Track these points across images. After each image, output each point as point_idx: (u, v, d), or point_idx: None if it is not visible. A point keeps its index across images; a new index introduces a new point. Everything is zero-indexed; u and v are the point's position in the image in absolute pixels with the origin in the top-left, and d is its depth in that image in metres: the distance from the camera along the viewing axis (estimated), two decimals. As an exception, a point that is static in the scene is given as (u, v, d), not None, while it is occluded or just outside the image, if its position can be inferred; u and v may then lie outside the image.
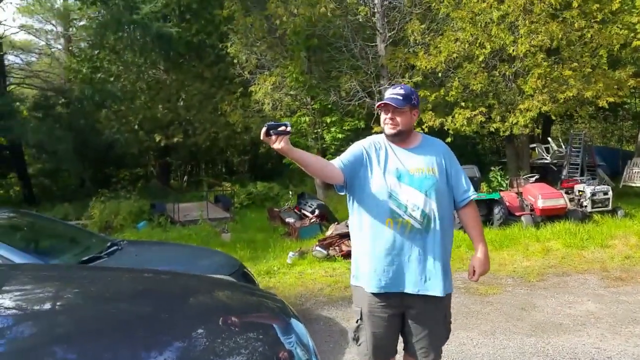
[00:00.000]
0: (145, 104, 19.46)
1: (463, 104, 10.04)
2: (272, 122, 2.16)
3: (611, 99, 9.14)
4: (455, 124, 9.93)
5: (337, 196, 14.53)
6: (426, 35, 10.38)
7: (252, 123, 14.03)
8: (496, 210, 8.96)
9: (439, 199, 2.40)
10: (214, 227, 10.41)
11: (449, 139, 10.01)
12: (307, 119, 12.95)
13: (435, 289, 2.38)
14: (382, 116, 2.47)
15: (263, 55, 12.82)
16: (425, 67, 9.85)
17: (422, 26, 10.43)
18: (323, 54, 12.90)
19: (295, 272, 6.69)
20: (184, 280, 2.31)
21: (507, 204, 9.28)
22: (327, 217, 9.89)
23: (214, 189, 18.31)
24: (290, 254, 7.35)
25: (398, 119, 2.42)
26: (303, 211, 10.30)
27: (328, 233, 8.20)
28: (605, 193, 9.32)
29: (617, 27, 9.29)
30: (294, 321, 1.47)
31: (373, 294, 2.43)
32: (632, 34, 9.60)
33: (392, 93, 2.43)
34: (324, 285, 5.95)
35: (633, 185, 13.23)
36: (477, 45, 9.42)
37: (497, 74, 9.94)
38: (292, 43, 12.18)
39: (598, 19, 9.12)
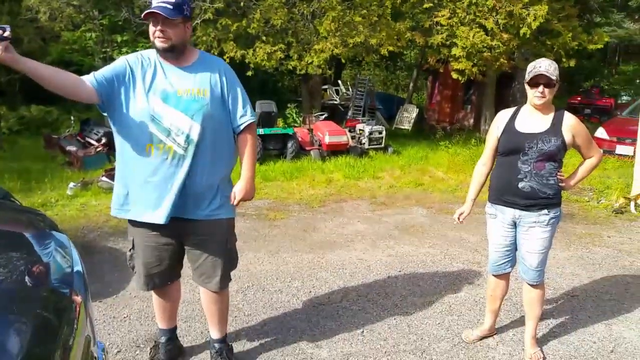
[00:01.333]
0: None
1: (264, 38, 10.15)
2: None
3: (391, 48, 10.29)
4: (256, 58, 10.02)
5: (130, 125, 13.62)
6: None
7: (24, 34, 11.88)
8: (289, 144, 9.54)
9: (208, 123, 2.24)
10: (-29, 154, 8.77)
11: (249, 73, 10.10)
12: (94, 35, 11.51)
13: (194, 213, 2.31)
14: (151, 28, 2.19)
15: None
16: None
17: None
18: (113, -37, 11.44)
19: (77, 203, 6.16)
20: None
21: (300, 139, 9.94)
22: (115, 146, 9.16)
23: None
24: (71, 184, 6.69)
25: (170, 31, 2.16)
26: (88, 139, 9.34)
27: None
28: (380, 132, 10.68)
29: (401, -20, 10.35)
30: (54, 232, 1.37)
31: (141, 222, 2.34)
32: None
33: (159, 1, 2.13)
34: (109, 217, 5.60)
35: (402, 127, 15.38)
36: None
37: (296, 12, 10.23)
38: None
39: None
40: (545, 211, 2.61)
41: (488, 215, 2.84)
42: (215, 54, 8.48)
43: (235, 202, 2.38)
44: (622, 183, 7.23)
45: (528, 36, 10.38)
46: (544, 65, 2.50)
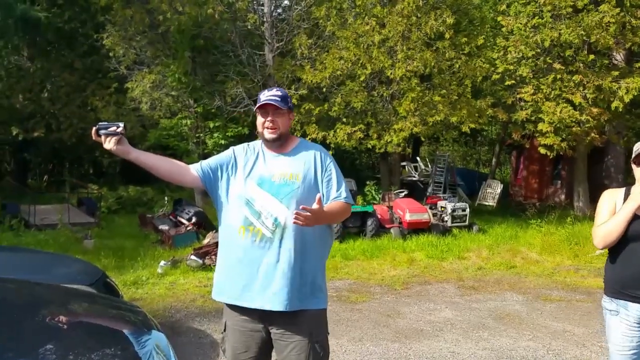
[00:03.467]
0: (2, 92, 17.27)
1: (344, 119, 10.50)
2: (104, 122, 2.11)
3: (473, 125, 10.19)
4: (336, 138, 10.33)
5: (216, 203, 14.27)
6: (313, 50, 10.68)
7: (127, 122, 13.11)
8: (369, 222, 9.43)
9: (299, 207, 2.14)
10: (75, 232, 9.49)
11: (330, 152, 10.34)
12: (189, 122, 12.51)
13: (283, 304, 2.20)
14: (260, 119, 2.31)
15: (143, 51, 12.16)
16: (311, 81, 10.14)
17: (310, 41, 10.72)
18: (209, 57, 12.61)
19: (167, 282, 6.34)
20: (33, 289, 2.05)
21: (379, 216, 9.82)
22: (204, 225, 9.56)
23: (77, 190, 16.76)
24: (162, 263, 6.95)
25: (278, 121, 2.28)
26: (179, 218, 9.86)
27: (205, 242, 7.93)
28: (464, 210, 10.31)
29: (481, 60, 10.43)
30: (154, 331, 1.35)
31: (233, 306, 2.32)
32: (492, 68, 10.83)
33: (269, 95, 2.28)
34: (196, 296, 5.73)
35: (486, 204, 14.82)
36: (359, 65, 9.93)
37: (376, 95, 10.56)
38: (175, 41, 11.73)
39: (465, 51, 10.14)
40: None
41: (607, 311, 2.46)
42: (298, 135, 8.82)
43: (301, 218, 2.05)
44: None
45: (620, 109, 9.84)
46: None
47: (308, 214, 2.07)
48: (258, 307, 2.24)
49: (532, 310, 5.26)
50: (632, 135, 12.14)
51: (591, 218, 11.30)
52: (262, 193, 2.26)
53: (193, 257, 7.04)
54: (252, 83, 11.55)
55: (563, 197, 15.50)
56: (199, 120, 12.75)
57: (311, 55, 10.62)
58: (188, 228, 9.22)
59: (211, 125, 12.57)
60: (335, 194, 2.31)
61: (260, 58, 11.52)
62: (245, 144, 2.44)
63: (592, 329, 4.62)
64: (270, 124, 2.29)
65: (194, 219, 9.47)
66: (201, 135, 12.78)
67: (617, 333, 2.42)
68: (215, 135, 12.60)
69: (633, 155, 2.38)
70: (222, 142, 12.53)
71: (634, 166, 2.40)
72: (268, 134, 2.30)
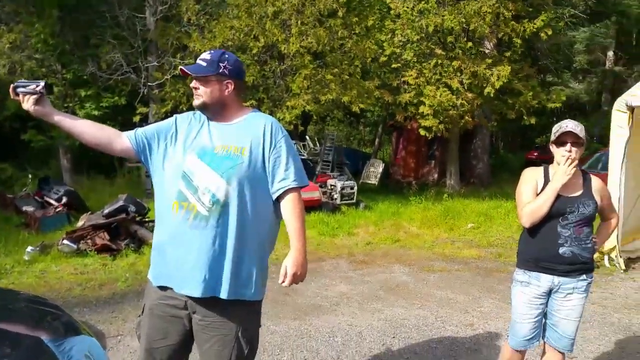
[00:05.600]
0: None
1: (234, 94, 10.14)
2: (23, 80, 1.94)
3: (362, 105, 10.48)
4: (225, 114, 9.96)
5: (89, 182, 13.05)
6: (201, 17, 10.10)
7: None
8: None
9: (242, 185, 2.00)
10: None
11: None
12: (56, 89, 11.21)
13: (215, 291, 1.99)
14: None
15: (1, 6, 10.56)
16: (199, 50, 9.58)
17: (197, 6, 10.10)
18: (80, 17, 11.32)
19: (36, 270, 5.64)
20: None
21: (271, 195, 9.72)
22: (76, 205, 8.67)
23: None
24: (29, 248, 6.14)
25: (202, 88, 2.05)
26: (46, 198, 8.80)
27: (79, 224, 7.17)
28: (352, 188, 10.64)
29: (370, 42, 10.70)
30: (82, 336, 1.08)
31: (158, 287, 2.08)
32: (380, 50, 11.19)
33: (199, 58, 2.10)
34: (73, 285, 5.17)
35: (369, 182, 15.44)
36: (252, 37, 9.61)
37: (268, 70, 10.33)
38: (42, -4, 10.34)
39: (356, 32, 10.32)
40: (584, 276, 2.50)
41: (518, 282, 2.61)
42: (185, 110, 8.34)
43: (287, 282, 1.99)
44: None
45: (492, 95, 10.80)
46: (571, 124, 2.43)
47: (291, 274, 1.97)
48: (185, 293, 2.00)
49: (418, 280, 5.58)
50: (498, 119, 13.41)
51: (462, 195, 12.41)
52: (202, 166, 2.01)
53: (66, 241, 6.31)
54: (131, 48, 10.63)
55: (436, 175, 16.74)
56: (68, 87, 11.47)
57: (199, 22, 10.05)
58: (57, 209, 8.27)
59: (82, 94, 11.40)
60: (282, 175, 2.07)
61: (141, 21, 10.61)
62: (190, 113, 2.18)
63: (471, 296, 5.02)
64: (194, 91, 2.07)
65: (64, 199, 8.51)
66: (70, 105, 11.53)
67: (525, 302, 2.57)
68: (88, 105, 11.45)
69: (553, 138, 2.48)
70: (95, 112, 11.45)
71: (553, 147, 2.50)
72: (194, 101, 2.09)
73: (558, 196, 2.45)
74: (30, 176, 10.59)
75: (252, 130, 2.08)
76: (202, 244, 1.97)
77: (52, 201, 8.60)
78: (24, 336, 1.02)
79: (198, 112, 2.16)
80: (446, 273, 5.97)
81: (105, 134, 2.09)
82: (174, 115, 2.21)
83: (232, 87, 2.10)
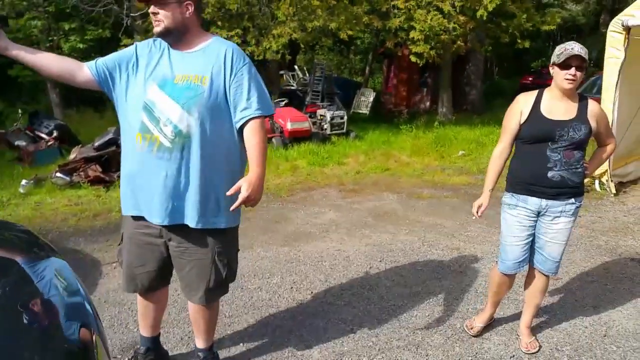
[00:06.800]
0: None
1: (219, 23, 9.79)
2: None
3: (351, 32, 10.18)
4: (211, 44, 9.66)
5: (79, 116, 12.94)
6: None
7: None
8: (250, 132, 9.25)
9: (203, 115, 2.00)
10: None
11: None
12: (39, 23, 10.79)
13: (184, 219, 2.07)
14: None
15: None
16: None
17: None
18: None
19: (31, 202, 5.77)
20: None
21: (261, 126, 9.65)
22: (68, 139, 8.69)
23: None
24: (24, 182, 6.25)
25: (162, 12, 1.99)
26: (38, 133, 8.80)
27: (71, 157, 7.22)
28: (342, 117, 10.60)
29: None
30: (52, 258, 1.16)
31: (132, 217, 2.17)
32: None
33: None
34: (68, 216, 5.29)
35: (360, 112, 15.35)
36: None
37: (253, -4, 9.93)
38: None
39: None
40: (572, 200, 2.53)
41: (506, 206, 2.66)
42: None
43: (238, 201, 1.93)
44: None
45: (484, 18, 10.50)
46: (577, 47, 2.33)
47: (244, 195, 1.90)
48: (155, 222, 2.09)
49: (406, 207, 5.72)
50: (492, 43, 13.11)
51: (453, 122, 12.40)
52: (163, 96, 2.00)
53: (59, 174, 6.40)
54: (113, -22, 10.14)
55: (429, 104, 16.62)
56: (51, 21, 11.05)
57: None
58: (49, 143, 8.33)
59: (66, 27, 11.01)
60: (244, 104, 2.05)
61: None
62: (150, 40, 2.14)
63: (459, 221, 5.13)
64: (153, 17, 2.00)
65: (55, 133, 8.55)
66: (55, 38, 11.16)
67: (513, 224, 2.62)
68: (72, 38, 11.11)
69: (557, 60, 2.38)
70: (80, 45, 11.15)
71: (555, 70, 2.42)
72: (154, 28, 2.02)
73: (547, 120, 2.45)
74: (20, 111, 10.47)
75: (212, 58, 2.05)
76: (167, 174, 2.02)
77: (43, 135, 8.63)
78: (1, 258, 1.09)
79: (158, 40, 2.12)
80: (435, 200, 6.10)
81: (67, 65, 2.08)
82: (134, 43, 2.18)
83: (192, 8, 2.06)
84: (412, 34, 10.77)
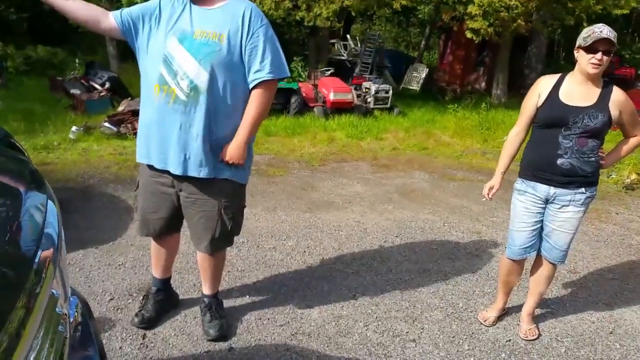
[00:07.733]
0: None
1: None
2: None
3: (404, 2, 9.89)
4: (263, 6, 9.69)
5: (133, 69, 13.22)
6: None
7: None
8: (293, 99, 9.34)
9: (219, 72, 2.08)
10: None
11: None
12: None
13: (195, 170, 2.18)
14: None
15: None
16: None
17: None
18: None
19: (79, 148, 6.14)
20: None
21: (304, 94, 9.70)
22: (119, 91, 9.07)
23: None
24: (74, 128, 6.64)
25: None
26: (92, 83, 9.25)
27: (120, 109, 7.56)
28: (387, 92, 10.45)
29: None
30: (32, 189, 1.26)
31: (147, 166, 2.31)
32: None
33: None
34: (111, 163, 5.59)
35: (410, 87, 15.04)
36: None
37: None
38: None
39: None
40: (582, 189, 2.46)
41: (516, 191, 2.64)
42: None
43: (219, 159, 2.21)
44: (636, 158, 6.71)
45: (549, -3, 9.94)
46: (606, 30, 2.23)
47: (224, 159, 2.13)
48: (170, 171, 2.23)
49: (435, 187, 5.68)
50: (557, 26, 12.41)
51: (505, 106, 11.97)
52: (182, 51, 2.09)
53: (107, 124, 6.75)
54: None
55: (484, 84, 16.05)
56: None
57: None
58: (102, 94, 8.73)
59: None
60: (257, 66, 2.13)
61: None
62: None
63: (487, 206, 4.95)
64: None
65: (107, 85, 8.95)
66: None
67: (521, 210, 2.60)
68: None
69: (583, 43, 2.28)
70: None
71: (581, 53, 2.33)
72: None
73: (563, 104, 2.39)
74: (78, 61, 10.99)
75: (231, 17, 2.11)
76: (182, 126, 2.13)
77: (96, 85, 9.06)
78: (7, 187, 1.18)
79: None
80: (467, 182, 6.00)
81: (93, 12, 2.16)
82: None
83: None
84: (470, 8, 10.37)
